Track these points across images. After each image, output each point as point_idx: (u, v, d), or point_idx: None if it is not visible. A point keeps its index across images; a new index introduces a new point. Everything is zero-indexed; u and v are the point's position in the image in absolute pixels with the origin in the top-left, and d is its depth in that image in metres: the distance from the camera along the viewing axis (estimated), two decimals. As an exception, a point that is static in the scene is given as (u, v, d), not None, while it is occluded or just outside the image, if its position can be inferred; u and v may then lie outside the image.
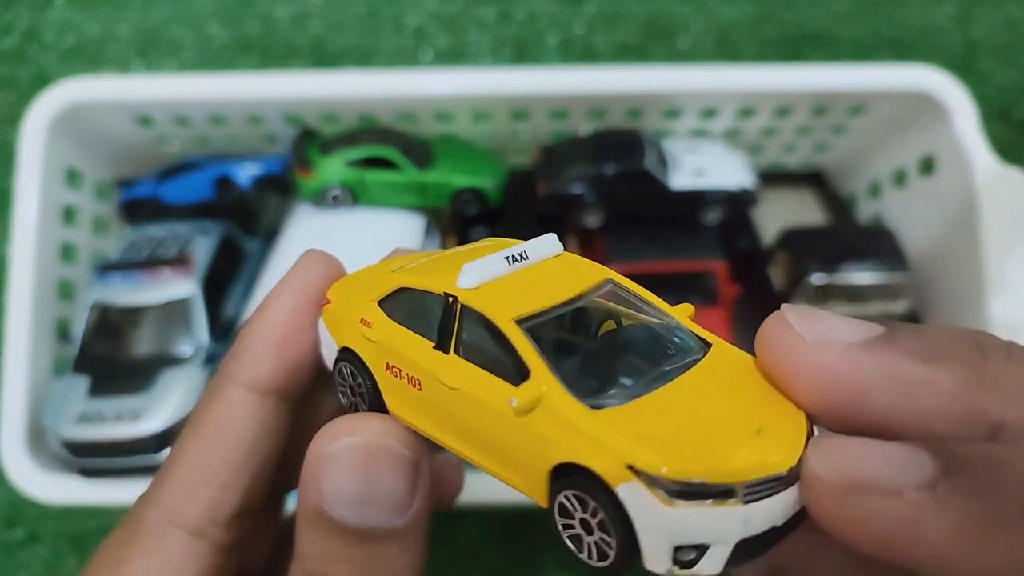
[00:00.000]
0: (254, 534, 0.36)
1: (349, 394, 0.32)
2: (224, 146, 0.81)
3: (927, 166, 0.75)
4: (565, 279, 0.29)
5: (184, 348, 0.68)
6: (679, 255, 0.76)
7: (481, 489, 0.61)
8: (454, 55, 0.95)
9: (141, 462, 0.64)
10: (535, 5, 0.96)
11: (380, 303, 0.31)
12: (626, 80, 0.71)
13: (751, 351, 0.27)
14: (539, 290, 0.28)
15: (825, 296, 0.74)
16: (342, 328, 0.31)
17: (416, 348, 0.29)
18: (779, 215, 0.84)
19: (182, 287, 0.70)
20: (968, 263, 0.68)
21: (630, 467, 0.22)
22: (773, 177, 0.88)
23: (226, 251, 0.76)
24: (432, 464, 0.30)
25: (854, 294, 0.74)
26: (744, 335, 0.67)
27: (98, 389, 0.66)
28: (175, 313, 0.69)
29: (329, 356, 0.33)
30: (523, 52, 0.95)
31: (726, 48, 0.95)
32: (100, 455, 0.63)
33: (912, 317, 0.76)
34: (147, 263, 0.72)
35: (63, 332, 0.71)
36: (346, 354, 0.31)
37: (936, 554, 0.21)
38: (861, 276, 0.74)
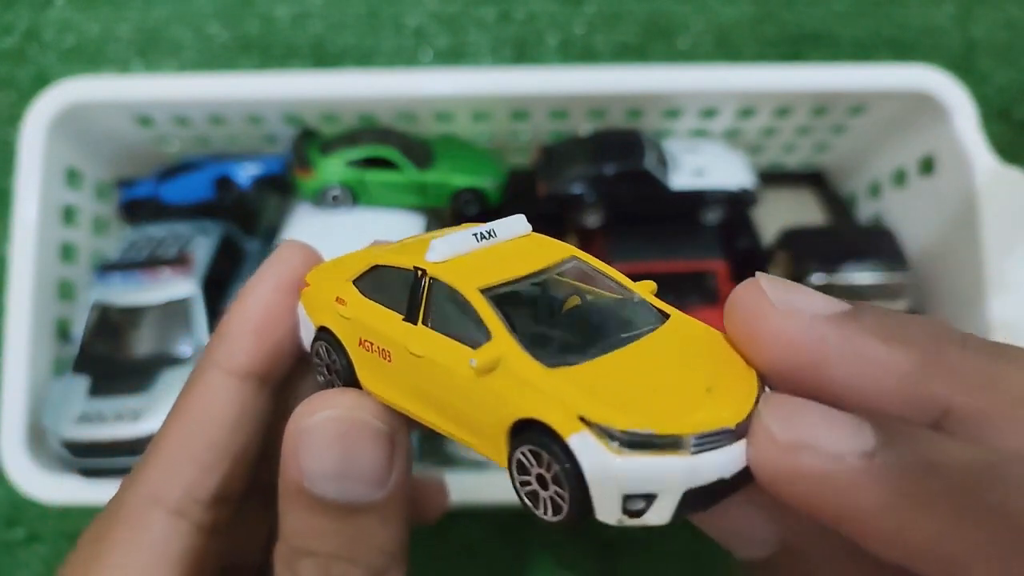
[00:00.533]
0: (248, 524, 0.36)
1: (325, 372, 0.33)
2: (224, 146, 0.81)
3: (927, 166, 0.75)
4: (531, 255, 0.30)
5: (184, 348, 0.68)
6: (679, 255, 0.76)
7: (479, 488, 0.61)
8: (454, 55, 0.95)
9: (141, 462, 0.64)
10: (535, 5, 0.96)
11: (355, 282, 0.32)
12: (626, 80, 0.71)
13: None
14: (505, 264, 0.29)
15: (825, 296, 0.74)
16: (319, 308, 0.32)
17: (387, 321, 0.30)
18: (779, 215, 0.84)
19: (182, 287, 0.70)
20: (968, 263, 0.68)
21: (581, 418, 0.23)
22: (773, 177, 0.88)
23: (226, 251, 0.76)
24: (409, 439, 0.30)
25: (854, 294, 0.74)
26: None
27: (98, 389, 0.66)
28: (175, 313, 0.69)
29: (308, 338, 0.34)
30: (523, 52, 0.95)
31: (726, 48, 0.95)
32: (100, 455, 0.63)
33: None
34: (147, 263, 0.72)
35: (63, 332, 0.71)
36: (323, 333, 0.32)
37: (865, 521, 0.21)
38: (861, 276, 0.74)
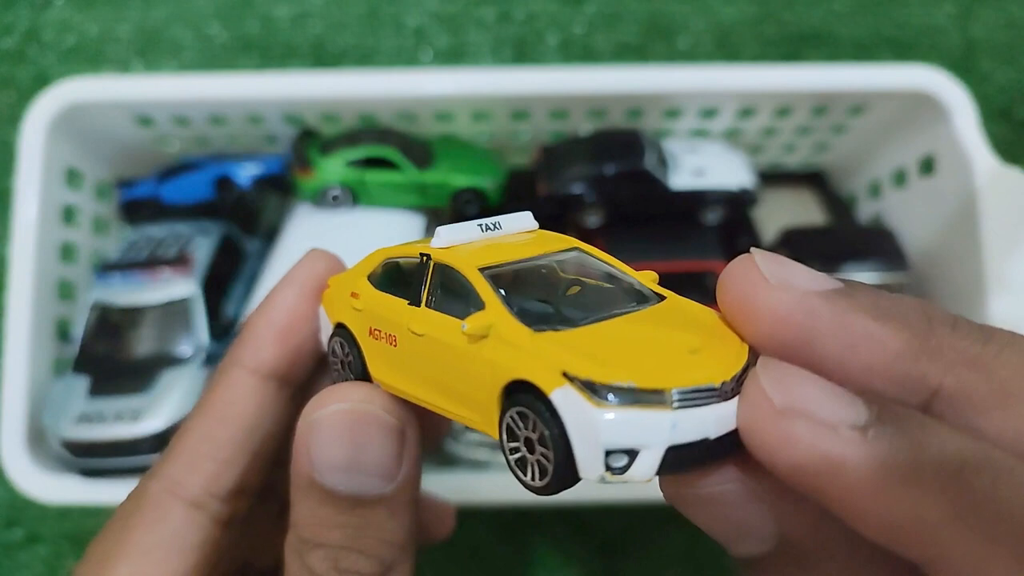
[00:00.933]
0: (267, 527, 0.37)
1: (340, 368, 0.33)
2: (224, 146, 0.81)
3: (927, 166, 0.75)
4: (533, 245, 0.31)
5: (184, 348, 0.68)
6: (679, 255, 0.76)
7: (480, 488, 0.61)
8: (454, 55, 0.95)
9: (141, 462, 0.64)
10: (535, 5, 0.96)
11: (368, 277, 0.33)
12: (626, 80, 0.71)
13: None
14: (506, 250, 0.30)
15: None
16: (336, 306, 0.34)
17: (394, 308, 0.31)
18: (779, 215, 0.84)
19: (182, 287, 0.70)
20: (968, 263, 0.68)
21: (565, 374, 0.24)
22: (773, 177, 0.88)
23: (226, 251, 0.76)
24: (418, 434, 0.31)
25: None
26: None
27: (98, 389, 0.66)
28: (175, 313, 0.69)
29: (327, 338, 0.35)
30: (523, 52, 0.95)
31: (726, 48, 0.95)
32: (100, 455, 0.63)
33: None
34: (147, 263, 0.72)
35: (63, 332, 0.71)
36: (338, 330, 0.33)
37: (852, 496, 0.21)
38: (861, 276, 0.74)
